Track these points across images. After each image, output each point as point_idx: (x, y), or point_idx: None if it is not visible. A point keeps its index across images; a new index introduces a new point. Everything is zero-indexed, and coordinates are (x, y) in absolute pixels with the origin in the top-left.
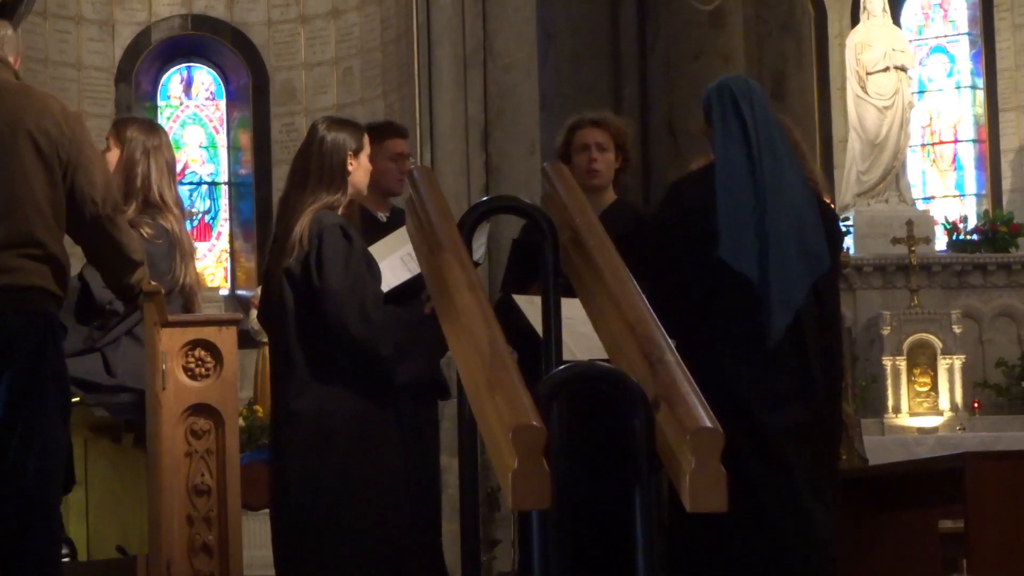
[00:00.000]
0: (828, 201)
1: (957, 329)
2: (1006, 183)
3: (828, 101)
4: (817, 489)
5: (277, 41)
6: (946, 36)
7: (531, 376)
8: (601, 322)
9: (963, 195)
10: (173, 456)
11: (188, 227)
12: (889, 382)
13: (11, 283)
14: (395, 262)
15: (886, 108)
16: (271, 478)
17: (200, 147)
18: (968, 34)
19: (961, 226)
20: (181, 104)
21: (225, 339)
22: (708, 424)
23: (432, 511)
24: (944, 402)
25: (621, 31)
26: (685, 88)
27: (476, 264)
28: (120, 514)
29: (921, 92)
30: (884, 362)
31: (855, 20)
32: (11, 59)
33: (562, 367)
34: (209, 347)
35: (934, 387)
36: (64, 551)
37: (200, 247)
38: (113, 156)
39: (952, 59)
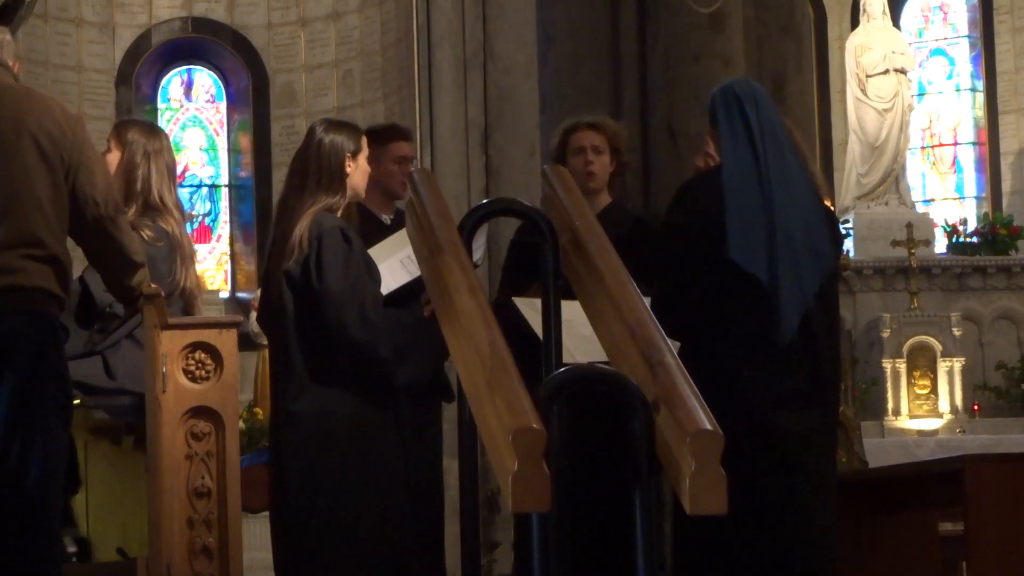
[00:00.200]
0: (828, 203)
1: (957, 332)
2: (1006, 186)
3: (828, 104)
4: (819, 490)
5: (277, 44)
6: (946, 39)
7: (531, 378)
8: (601, 324)
9: (963, 198)
10: (173, 458)
11: (188, 230)
12: (889, 384)
13: (13, 284)
14: (394, 265)
15: (886, 111)
16: (271, 479)
17: (200, 149)
18: (968, 37)
19: (961, 228)
20: (181, 106)
21: (225, 341)
22: (708, 426)
23: (433, 513)
24: (944, 405)
25: (621, 33)
26: (685, 90)
27: (475, 266)
28: (120, 516)
29: (921, 95)
30: (884, 364)
31: (855, 23)
32: (10, 62)
33: (562, 369)
34: (209, 349)
35: (934, 390)
36: (72, 549)
37: (200, 249)
38: (114, 158)
39: (952, 62)
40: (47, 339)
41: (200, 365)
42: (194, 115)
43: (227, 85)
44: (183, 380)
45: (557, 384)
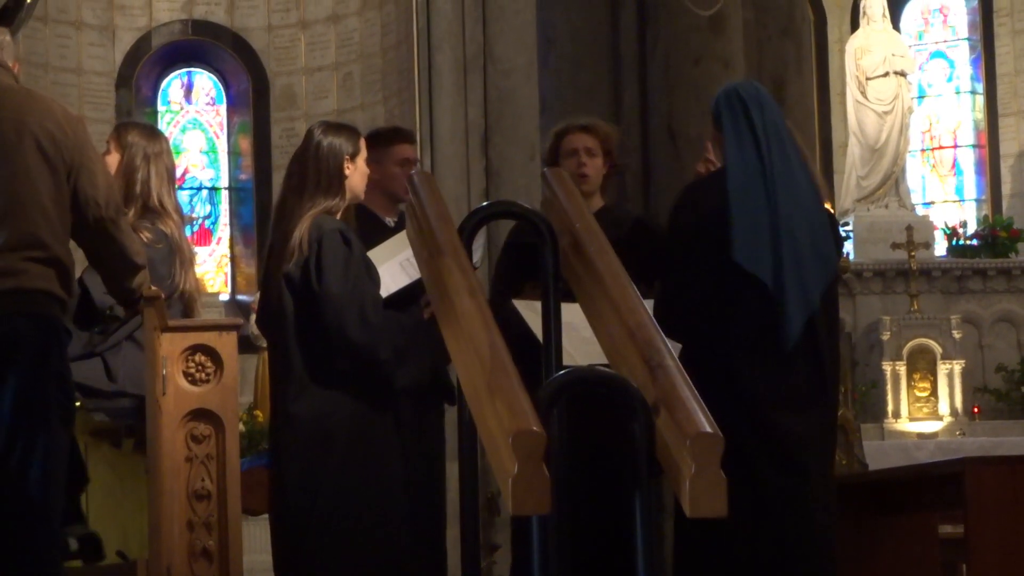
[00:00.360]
0: (828, 206)
1: (957, 334)
2: (1006, 188)
3: (828, 106)
4: (820, 491)
5: (277, 46)
6: (946, 41)
7: (531, 381)
8: (601, 327)
9: (963, 200)
10: (173, 461)
11: (188, 232)
12: (889, 387)
13: (16, 286)
14: (394, 267)
15: (886, 113)
16: (270, 481)
17: (200, 152)
18: (968, 39)
19: (961, 231)
20: (181, 109)
21: (225, 344)
22: (708, 429)
23: (434, 515)
24: (944, 407)
25: (621, 35)
26: (685, 92)
27: (474, 268)
28: (120, 519)
29: (921, 97)
30: (884, 367)
31: (855, 25)
32: (10, 64)
33: (562, 372)
34: (209, 352)
35: (934, 392)
36: (73, 548)
37: (200, 252)
38: (113, 160)
39: (952, 64)
40: (49, 341)
41: (200, 368)
42: (194, 118)
43: (227, 88)
44: (183, 383)
45: (557, 387)
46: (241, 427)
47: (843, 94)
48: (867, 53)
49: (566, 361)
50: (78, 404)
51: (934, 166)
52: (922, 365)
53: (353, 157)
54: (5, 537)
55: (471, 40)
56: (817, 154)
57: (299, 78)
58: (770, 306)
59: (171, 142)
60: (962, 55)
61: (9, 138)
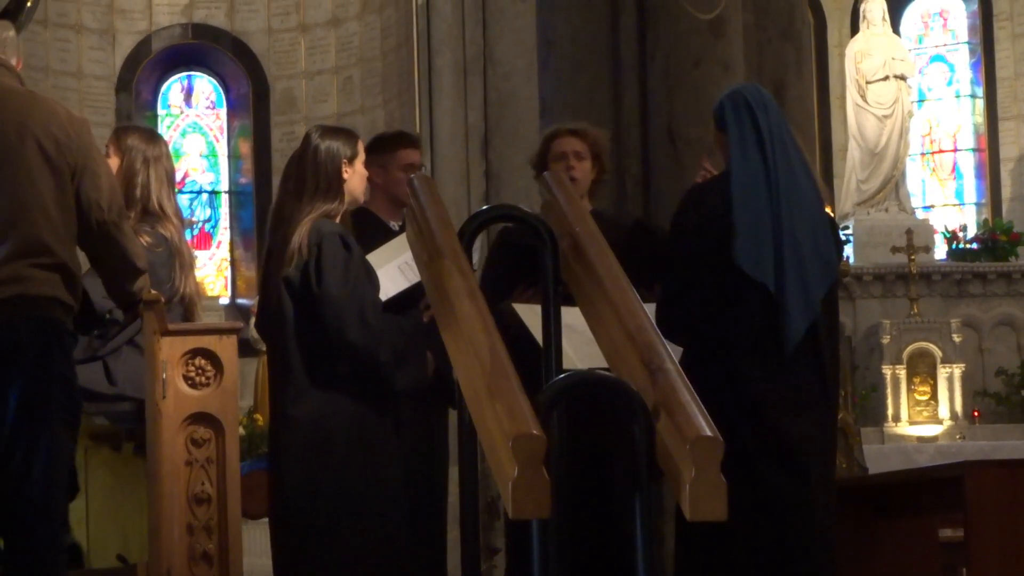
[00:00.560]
0: (828, 210)
1: (957, 338)
2: (1006, 192)
3: (828, 110)
4: (821, 492)
5: (277, 50)
6: (945, 45)
7: (531, 384)
8: (601, 330)
9: (963, 204)
10: (173, 464)
11: (188, 236)
12: (889, 391)
13: (22, 293)
14: (393, 271)
15: (886, 117)
16: (270, 484)
17: (200, 156)
18: (968, 43)
19: (961, 235)
20: (181, 113)
21: (225, 348)
22: (708, 432)
23: (435, 517)
24: (944, 411)
25: (621, 39)
26: (685, 95)
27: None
28: (120, 522)
29: (921, 101)
30: (884, 371)
31: (855, 29)
32: (13, 61)
33: (562, 375)
34: (209, 356)
35: (934, 396)
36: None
37: (200, 256)
38: (112, 164)
39: (952, 68)
40: (53, 345)
41: (200, 371)
42: (194, 121)
43: (227, 91)
44: (183, 386)
45: (557, 390)
46: (241, 431)
47: (843, 98)
48: (867, 57)
49: (566, 364)
50: None
51: (934, 170)
52: (922, 369)
53: (351, 160)
54: (8, 540)
55: (471, 43)
56: (817, 158)
57: (299, 82)
58: (772, 309)
59: (171, 146)
60: (962, 59)
61: (12, 143)
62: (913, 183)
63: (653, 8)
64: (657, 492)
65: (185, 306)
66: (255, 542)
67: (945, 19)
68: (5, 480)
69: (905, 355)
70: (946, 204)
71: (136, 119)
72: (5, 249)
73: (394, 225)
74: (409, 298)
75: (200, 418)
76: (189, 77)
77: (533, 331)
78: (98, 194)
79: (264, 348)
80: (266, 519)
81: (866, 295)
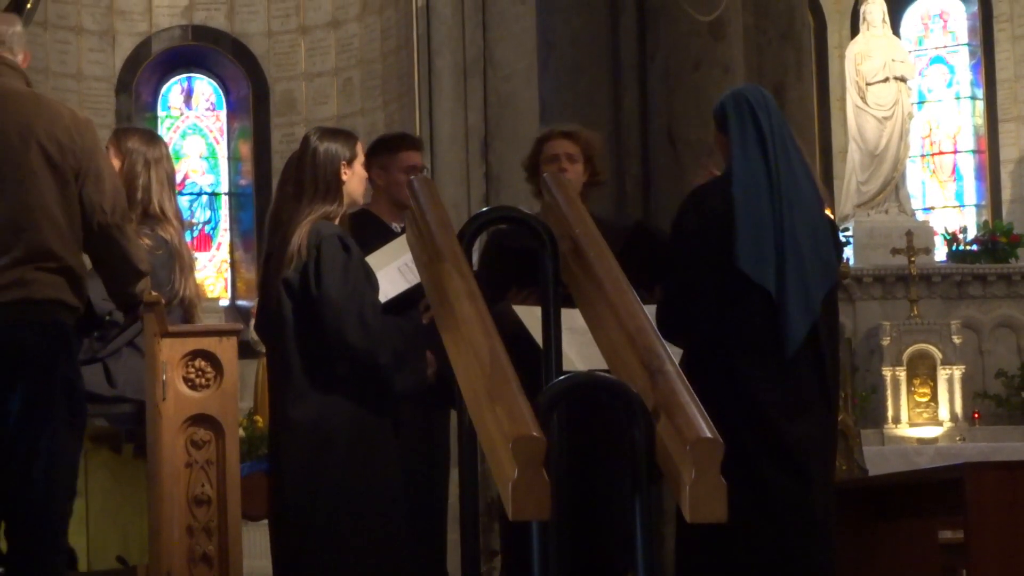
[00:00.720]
0: (828, 212)
1: (957, 339)
2: (1006, 193)
3: (828, 111)
4: (822, 493)
5: (277, 52)
6: (946, 47)
7: (530, 386)
8: (601, 332)
9: (963, 205)
10: (173, 466)
11: (188, 238)
12: (889, 392)
13: (27, 296)
14: (392, 272)
15: (886, 119)
16: (270, 486)
17: (200, 157)
18: (968, 45)
19: (961, 236)
20: (181, 114)
21: (225, 349)
22: (708, 434)
23: (435, 519)
24: (944, 412)
25: (621, 41)
26: (685, 97)
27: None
28: (120, 524)
29: (921, 103)
30: (884, 372)
31: (855, 31)
32: (19, 57)
33: (562, 377)
34: (209, 357)
35: (934, 397)
36: None
37: (200, 257)
38: (113, 166)
39: (952, 70)
40: (58, 349)
41: (200, 373)
42: (194, 123)
43: (227, 93)
44: (183, 388)
45: (557, 392)
46: (241, 432)
47: (843, 99)
48: (867, 58)
49: (566, 366)
50: None
51: (934, 171)
52: (922, 370)
53: (350, 162)
54: (10, 542)
55: (471, 45)
56: (817, 159)
57: (299, 83)
58: (772, 311)
59: (171, 148)
60: (962, 60)
61: (16, 148)
62: (913, 185)
63: (653, 10)
64: (657, 494)
65: (185, 308)
66: (255, 544)
67: (945, 21)
68: (8, 483)
69: (905, 357)
70: (946, 206)
71: (136, 121)
72: (11, 255)
73: (396, 227)
74: (408, 300)
75: (200, 420)
76: (189, 79)
77: (533, 333)
78: (101, 197)
79: (264, 350)
80: (266, 521)
81: (866, 297)
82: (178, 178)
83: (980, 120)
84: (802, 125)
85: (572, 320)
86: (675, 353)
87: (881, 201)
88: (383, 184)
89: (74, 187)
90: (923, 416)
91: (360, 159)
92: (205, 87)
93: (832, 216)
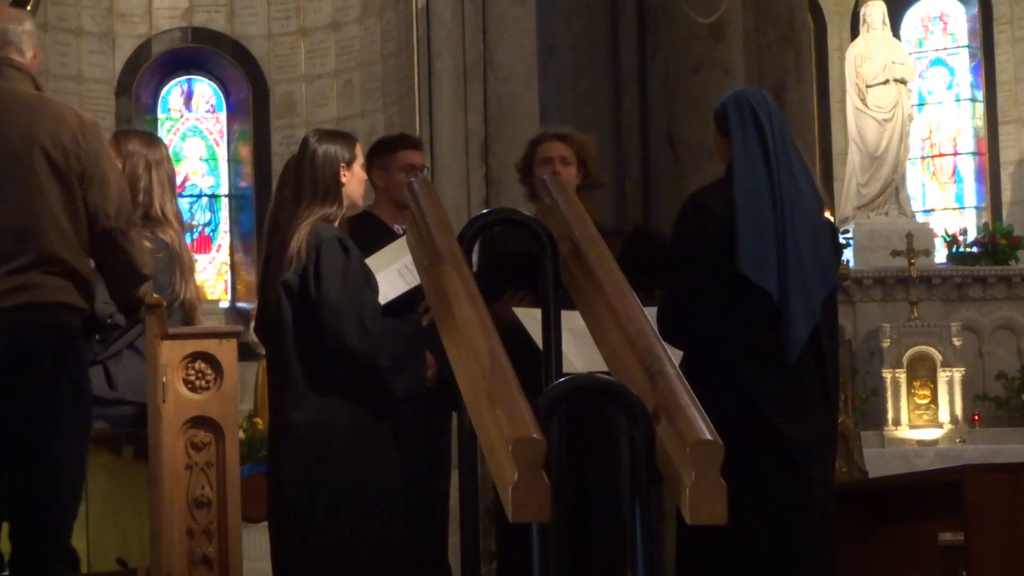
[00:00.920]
0: (828, 214)
1: (957, 342)
2: (1006, 195)
3: (828, 114)
4: (823, 494)
5: (277, 54)
6: (946, 49)
7: (530, 388)
8: (601, 334)
9: (963, 207)
10: (173, 468)
11: (188, 240)
12: (889, 394)
13: (34, 300)
14: (392, 274)
15: (886, 121)
16: (269, 488)
17: (200, 160)
18: (968, 47)
19: (961, 238)
20: (181, 117)
21: (225, 351)
22: (708, 436)
23: (436, 522)
24: (944, 415)
25: (621, 43)
26: (685, 100)
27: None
28: (120, 526)
29: (921, 105)
30: (884, 374)
31: (855, 33)
32: (29, 55)
33: (562, 379)
34: (209, 359)
35: (934, 400)
36: None
37: (200, 259)
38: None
39: (952, 72)
40: (64, 351)
41: (200, 375)
42: (194, 125)
43: (227, 95)
44: (183, 390)
45: (557, 394)
46: (241, 434)
47: (843, 101)
48: (867, 60)
49: (566, 368)
50: None
51: (934, 173)
52: (922, 372)
53: (349, 164)
54: (15, 545)
55: (471, 47)
56: (817, 161)
57: (299, 85)
58: (774, 313)
59: (171, 150)
60: (962, 63)
61: (20, 154)
62: (913, 187)
63: (653, 12)
64: (657, 496)
65: (185, 311)
66: (255, 546)
67: (945, 23)
68: (13, 485)
69: (905, 359)
70: (946, 208)
71: (136, 123)
72: (16, 260)
73: (398, 228)
74: (408, 301)
75: (200, 422)
76: (189, 81)
77: (533, 335)
78: (105, 201)
79: (264, 352)
80: (266, 523)
81: (866, 299)
82: (178, 180)
83: (980, 122)
84: (802, 127)
85: (572, 322)
86: (675, 355)
87: (881, 203)
88: (383, 185)
89: (79, 191)
90: (923, 418)
91: (359, 161)
92: (205, 89)
93: (832, 218)
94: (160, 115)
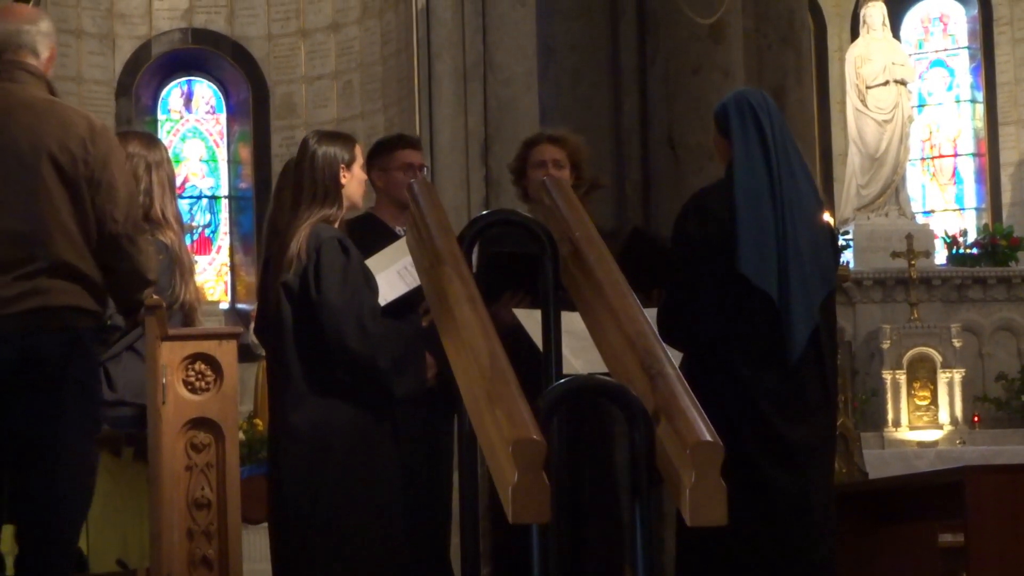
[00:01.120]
0: (828, 215)
1: (957, 343)
2: (1006, 197)
3: (828, 115)
4: (823, 495)
5: (277, 55)
6: (946, 50)
7: (530, 389)
8: (601, 335)
9: (963, 209)
10: (173, 470)
11: (188, 241)
12: (889, 396)
13: (42, 304)
14: (391, 275)
15: (886, 122)
16: (269, 490)
17: (200, 161)
18: (968, 48)
19: (961, 240)
20: (181, 118)
21: (225, 353)
22: (708, 438)
23: (438, 523)
24: (944, 416)
25: (621, 45)
26: (685, 102)
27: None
28: (120, 528)
29: (921, 106)
30: (884, 376)
31: (855, 34)
32: (45, 56)
33: (562, 380)
34: (209, 361)
35: (934, 401)
36: None
37: (200, 261)
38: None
39: (952, 73)
40: (73, 356)
41: (200, 376)
42: (194, 126)
43: (227, 96)
44: (183, 391)
45: (557, 395)
46: (241, 435)
47: (843, 103)
48: (867, 62)
49: (566, 369)
50: None
51: (934, 175)
52: (922, 374)
53: (349, 165)
54: (21, 547)
55: (471, 49)
56: (817, 163)
57: (299, 87)
58: (774, 314)
59: (171, 151)
60: (962, 64)
61: (27, 162)
62: (913, 188)
63: (653, 14)
64: (657, 497)
65: (185, 312)
66: (255, 547)
67: (945, 24)
68: (21, 487)
69: (905, 360)
70: (946, 209)
71: (136, 124)
72: (25, 267)
73: (399, 230)
74: (408, 303)
75: (200, 423)
76: (189, 82)
77: (533, 336)
78: (113, 207)
79: (264, 353)
80: (266, 524)
81: (866, 300)
82: (178, 181)
83: (980, 123)
84: (802, 128)
85: (572, 323)
86: (675, 356)
87: (881, 204)
88: (383, 186)
89: (87, 196)
90: (923, 419)
91: (359, 162)
92: (205, 90)
93: (832, 220)
94: (160, 116)
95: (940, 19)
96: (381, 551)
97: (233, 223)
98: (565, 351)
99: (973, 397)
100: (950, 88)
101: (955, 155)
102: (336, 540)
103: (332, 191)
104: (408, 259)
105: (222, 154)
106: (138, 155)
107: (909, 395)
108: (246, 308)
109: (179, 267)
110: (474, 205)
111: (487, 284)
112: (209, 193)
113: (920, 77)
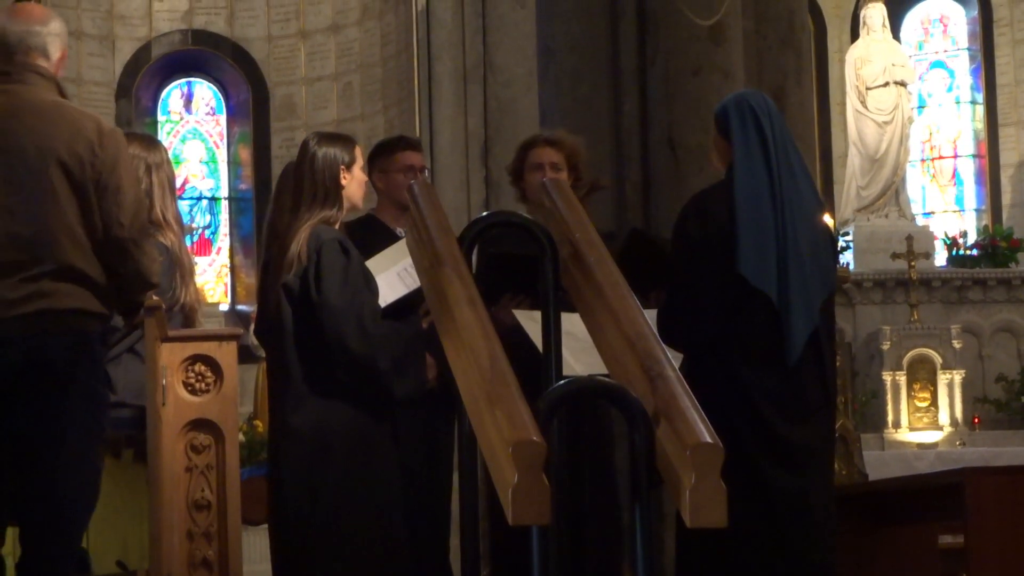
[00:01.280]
0: (828, 217)
1: (957, 344)
2: (1006, 198)
3: (828, 116)
4: (823, 495)
5: (277, 56)
6: (946, 51)
7: (530, 390)
8: (601, 337)
9: (963, 210)
10: (173, 471)
11: (188, 242)
12: (889, 397)
13: (48, 307)
14: (391, 277)
15: (886, 123)
16: (269, 492)
17: (200, 162)
18: (968, 49)
19: (961, 241)
20: (181, 119)
21: (225, 354)
22: (708, 439)
23: (438, 524)
24: (944, 417)
25: (621, 46)
26: (685, 103)
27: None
28: (120, 529)
29: (921, 107)
30: (884, 377)
31: (855, 35)
32: (55, 57)
33: (562, 382)
34: (209, 362)
35: (934, 402)
36: None
37: (200, 262)
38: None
39: (952, 74)
40: (79, 358)
41: (200, 378)
42: (194, 128)
43: (227, 98)
44: (183, 393)
45: (557, 396)
46: (241, 437)
47: (843, 104)
48: (867, 63)
49: (566, 371)
50: None
51: (934, 176)
52: (922, 375)
53: (349, 166)
54: (24, 548)
55: (471, 50)
56: (817, 164)
57: (299, 88)
58: (774, 316)
59: (171, 152)
60: (962, 65)
61: (34, 163)
62: (913, 189)
63: (652, 15)
64: (657, 498)
65: (186, 314)
66: (255, 548)
67: (945, 25)
68: (25, 490)
69: (905, 361)
70: (946, 210)
71: (136, 125)
72: (32, 270)
73: (400, 231)
74: (408, 304)
75: (200, 424)
76: (189, 83)
77: (533, 337)
78: (119, 210)
79: (264, 354)
80: (266, 525)
81: (866, 301)
82: (178, 183)
83: (980, 124)
84: (802, 130)
85: (572, 324)
86: (675, 358)
87: (881, 206)
88: (384, 187)
89: (94, 200)
90: (923, 421)
91: (359, 163)
92: (205, 91)
93: (832, 221)
94: (160, 117)
95: (940, 20)
96: (381, 552)
97: (233, 224)
98: (565, 352)
99: (973, 398)
100: (950, 89)
101: (955, 156)
102: (336, 541)
103: (332, 192)
104: (408, 260)
105: (222, 155)
106: (138, 157)
107: (909, 396)
108: (246, 309)
109: (179, 269)
110: (474, 206)
111: (487, 285)
112: (209, 194)
113: (920, 78)
